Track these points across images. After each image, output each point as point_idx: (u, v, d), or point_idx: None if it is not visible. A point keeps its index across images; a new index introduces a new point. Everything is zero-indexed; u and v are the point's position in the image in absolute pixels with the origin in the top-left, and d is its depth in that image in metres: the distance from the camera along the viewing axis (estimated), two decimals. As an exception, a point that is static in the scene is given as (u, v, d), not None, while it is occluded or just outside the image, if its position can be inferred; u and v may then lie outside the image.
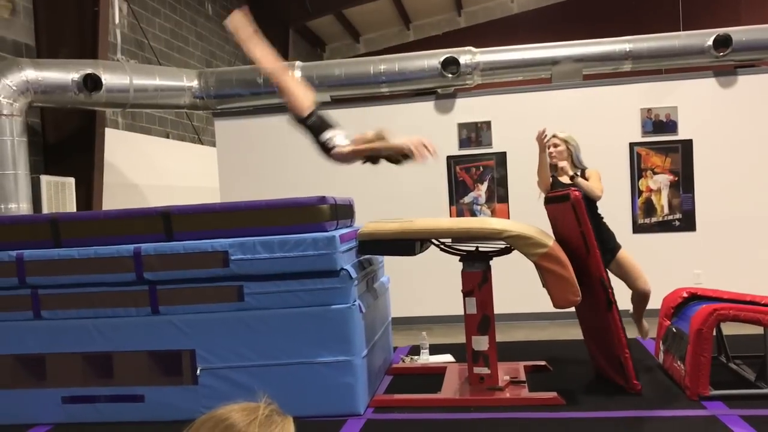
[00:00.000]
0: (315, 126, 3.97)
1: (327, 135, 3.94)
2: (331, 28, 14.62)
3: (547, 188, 4.71)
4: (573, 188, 4.20)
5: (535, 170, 4.72)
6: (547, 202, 4.63)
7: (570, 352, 5.25)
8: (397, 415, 4.03)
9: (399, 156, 3.88)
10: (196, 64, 9.83)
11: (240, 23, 3.99)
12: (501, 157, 6.92)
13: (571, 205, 4.04)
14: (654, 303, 4.84)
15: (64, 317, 4.17)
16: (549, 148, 4.68)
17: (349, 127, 4.11)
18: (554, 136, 4.72)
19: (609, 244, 4.59)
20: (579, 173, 4.65)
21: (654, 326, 4.84)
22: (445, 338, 6.12)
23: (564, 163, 4.59)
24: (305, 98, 4.01)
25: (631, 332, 5.86)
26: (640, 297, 4.68)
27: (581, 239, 4.06)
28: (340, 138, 3.95)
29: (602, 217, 4.67)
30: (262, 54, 4.02)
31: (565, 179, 4.63)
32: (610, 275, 4.53)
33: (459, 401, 4.16)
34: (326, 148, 3.96)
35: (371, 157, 3.97)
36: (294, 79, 4.38)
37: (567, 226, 4.25)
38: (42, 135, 6.71)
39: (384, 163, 3.99)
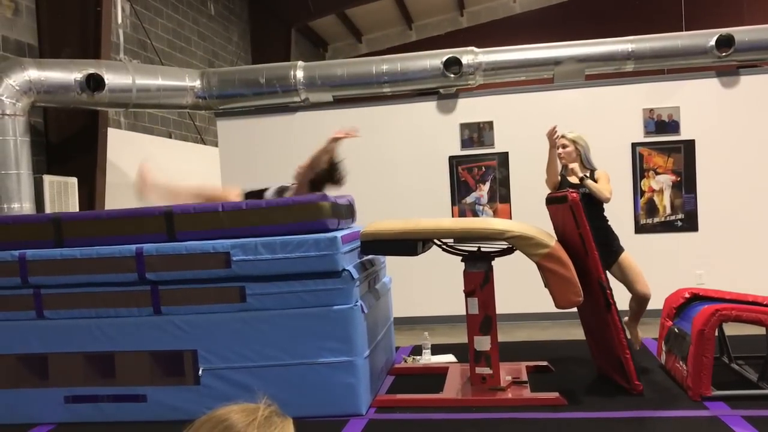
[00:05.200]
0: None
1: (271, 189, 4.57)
2: (334, 28, 14.62)
3: (554, 186, 4.69)
4: (571, 190, 4.21)
5: (542, 169, 4.69)
6: (549, 202, 4.63)
7: (572, 352, 5.25)
8: (399, 415, 4.03)
9: (329, 162, 4.42)
10: (198, 63, 9.83)
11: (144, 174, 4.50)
12: (503, 158, 6.91)
13: (569, 207, 4.04)
14: (656, 303, 4.83)
15: (67, 317, 4.18)
16: (558, 148, 4.66)
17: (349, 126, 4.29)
18: (563, 136, 4.70)
19: (612, 246, 4.59)
20: (588, 174, 4.65)
21: (655, 327, 4.83)
22: (447, 338, 6.12)
23: (575, 165, 4.60)
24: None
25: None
26: (639, 300, 4.66)
27: (580, 241, 4.06)
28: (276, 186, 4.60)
29: (607, 220, 4.67)
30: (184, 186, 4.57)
31: (574, 180, 4.63)
32: (611, 278, 4.54)
33: (461, 401, 4.16)
34: (282, 189, 4.57)
35: (315, 181, 4.48)
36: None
37: (566, 227, 4.26)
38: (45, 135, 6.72)
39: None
